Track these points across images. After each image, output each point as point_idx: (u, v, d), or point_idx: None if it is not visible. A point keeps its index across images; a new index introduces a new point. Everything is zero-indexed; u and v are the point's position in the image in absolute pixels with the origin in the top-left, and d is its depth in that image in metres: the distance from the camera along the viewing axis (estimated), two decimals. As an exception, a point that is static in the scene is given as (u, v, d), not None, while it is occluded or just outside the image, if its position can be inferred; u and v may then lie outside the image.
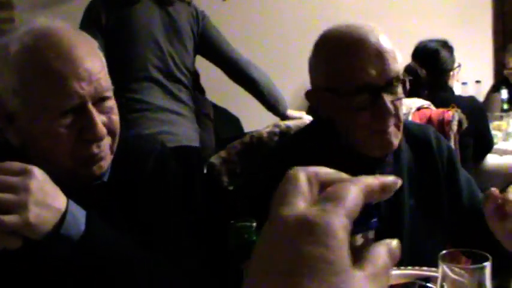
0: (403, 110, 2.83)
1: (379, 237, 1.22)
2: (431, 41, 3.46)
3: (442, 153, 1.58)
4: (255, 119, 3.19)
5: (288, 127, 1.89)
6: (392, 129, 1.43)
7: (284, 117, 2.93)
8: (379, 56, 1.40)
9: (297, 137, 1.68)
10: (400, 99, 1.43)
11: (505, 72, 4.30)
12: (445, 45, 3.45)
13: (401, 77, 1.43)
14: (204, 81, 3.76)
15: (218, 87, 4.24)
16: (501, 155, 3.43)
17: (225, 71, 2.91)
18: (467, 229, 1.53)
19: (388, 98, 1.39)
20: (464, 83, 4.10)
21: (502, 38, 5.15)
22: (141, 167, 1.38)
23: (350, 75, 1.40)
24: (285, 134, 1.85)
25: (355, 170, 1.45)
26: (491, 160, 3.40)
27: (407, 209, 1.50)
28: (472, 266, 0.98)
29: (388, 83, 1.40)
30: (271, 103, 2.93)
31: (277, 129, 1.89)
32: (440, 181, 1.56)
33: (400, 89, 1.43)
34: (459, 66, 3.49)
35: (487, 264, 0.97)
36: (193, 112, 2.84)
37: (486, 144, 3.37)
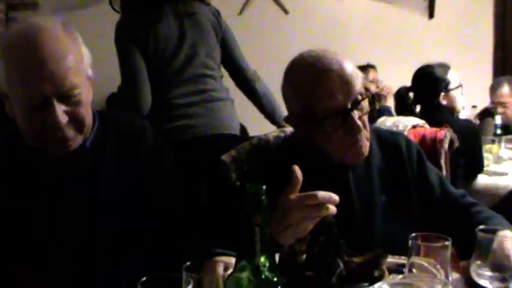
0: (400, 127, 3.05)
1: (353, 230, 1.44)
2: (430, 64, 3.62)
3: (412, 155, 1.79)
4: (259, 126, 3.38)
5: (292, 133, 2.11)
6: (362, 141, 1.64)
7: (280, 126, 3.10)
8: (343, 81, 1.59)
9: (284, 146, 1.90)
10: (366, 113, 1.64)
11: (490, 105, 4.46)
12: (442, 66, 3.58)
13: (365, 93, 1.63)
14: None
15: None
16: (491, 176, 3.58)
17: (231, 75, 3.10)
18: (440, 219, 1.74)
19: (356, 116, 1.60)
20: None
21: (501, 65, 5.33)
22: (137, 141, 1.66)
23: (320, 104, 1.60)
24: (289, 139, 2.07)
25: (332, 173, 1.72)
26: (481, 180, 3.49)
27: (379, 204, 1.71)
28: (437, 244, 1.20)
29: (354, 103, 1.60)
30: (267, 111, 3.16)
31: (282, 134, 2.10)
32: (410, 179, 1.77)
33: (366, 104, 1.63)
34: (459, 86, 3.58)
35: (448, 244, 1.21)
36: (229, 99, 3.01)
37: (477, 166, 3.50)
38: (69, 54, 1.47)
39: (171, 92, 2.81)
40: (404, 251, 1.35)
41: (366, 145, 1.67)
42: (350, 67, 1.63)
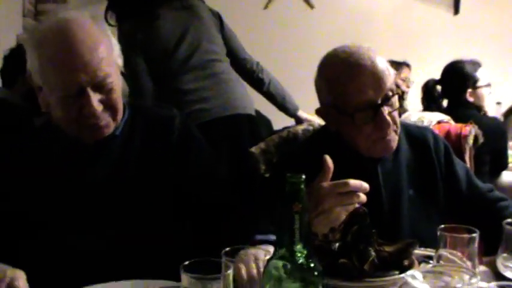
0: (425, 122, 3.07)
1: (381, 222, 1.49)
2: (460, 60, 3.61)
3: (439, 149, 1.84)
4: (284, 121, 3.43)
5: (321, 126, 2.15)
6: (391, 135, 1.69)
7: (296, 117, 3.21)
8: (374, 76, 1.65)
9: (312, 138, 1.97)
10: (396, 109, 1.68)
11: None
12: (470, 64, 3.58)
13: (395, 90, 1.68)
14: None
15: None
16: (515, 174, 3.58)
17: (235, 68, 3.09)
18: (466, 213, 1.78)
19: (385, 111, 1.65)
20: (485, 104, 4.28)
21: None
22: (166, 129, 1.71)
23: (351, 97, 1.66)
24: (318, 132, 2.11)
25: (360, 167, 1.78)
26: (506, 177, 3.51)
27: (407, 198, 1.76)
28: (464, 235, 1.24)
29: (385, 99, 1.65)
30: (279, 102, 3.20)
31: (310, 128, 2.15)
32: (437, 174, 1.81)
33: (395, 100, 1.68)
34: (488, 85, 3.58)
35: (476, 236, 1.24)
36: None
37: (501, 163, 3.50)
38: (101, 45, 1.53)
39: (179, 79, 2.85)
40: (431, 244, 1.41)
41: (394, 139, 1.71)
42: (382, 63, 1.68)
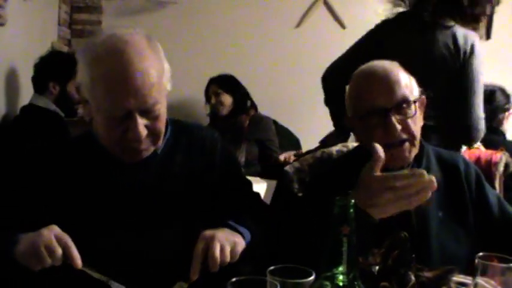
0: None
1: (410, 243, 1.50)
2: (489, 85, 3.66)
3: (470, 175, 1.87)
4: (313, 140, 3.47)
5: (354, 146, 2.18)
6: (406, 145, 1.75)
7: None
8: (385, 84, 1.74)
9: (345, 158, 2.03)
10: (410, 117, 1.74)
11: None
12: (502, 90, 3.64)
13: (411, 99, 1.74)
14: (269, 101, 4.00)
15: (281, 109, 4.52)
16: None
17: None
18: (498, 238, 1.79)
19: (395, 118, 1.72)
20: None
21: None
22: (211, 149, 1.78)
23: (363, 102, 1.76)
24: (350, 152, 2.13)
25: None
26: None
27: (436, 220, 1.78)
28: (502, 265, 1.25)
29: (396, 106, 1.72)
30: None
31: (345, 149, 2.18)
32: (467, 198, 1.84)
33: (411, 109, 1.74)
34: None
35: (514, 266, 1.25)
36: None
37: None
38: (153, 70, 1.53)
39: None
40: (459, 266, 1.41)
41: (409, 150, 1.77)
42: (398, 76, 1.76)
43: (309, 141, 3.41)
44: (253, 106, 4.47)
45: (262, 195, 2.17)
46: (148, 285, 1.56)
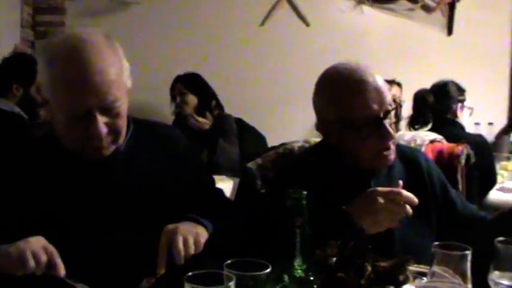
0: (418, 141, 3.13)
1: (373, 236, 1.54)
2: (446, 80, 3.76)
3: (432, 172, 1.93)
4: (280, 137, 3.47)
5: (316, 142, 2.19)
6: (392, 148, 1.78)
7: None
8: (377, 92, 1.74)
9: (307, 154, 2.02)
10: (393, 123, 1.79)
11: None
12: (454, 82, 3.77)
13: (393, 104, 1.78)
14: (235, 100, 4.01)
15: (247, 107, 4.53)
16: (505, 192, 3.63)
17: None
18: (459, 231, 1.83)
19: (387, 124, 1.74)
20: (477, 123, 4.36)
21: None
22: (174, 146, 1.79)
23: (358, 112, 1.74)
24: (312, 148, 2.14)
25: (354, 181, 1.85)
26: (496, 196, 3.57)
27: None
28: (458, 253, 1.28)
29: (386, 112, 1.75)
30: None
31: (306, 144, 2.19)
32: (429, 194, 1.88)
33: (392, 114, 1.78)
34: (471, 108, 3.75)
35: (468, 253, 1.28)
36: None
37: (490, 179, 3.59)
38: (112, 68, 1.53)
39: None
40: (421, 259, 1.45)
41: (394, 152, 1.80)
42: (381, 79, 1.78)
43: (276, 139, 3.41)
44: (219, 105, 4.48)
45: (228, 193, 2.18)
46: (116, 284, 1.56)
